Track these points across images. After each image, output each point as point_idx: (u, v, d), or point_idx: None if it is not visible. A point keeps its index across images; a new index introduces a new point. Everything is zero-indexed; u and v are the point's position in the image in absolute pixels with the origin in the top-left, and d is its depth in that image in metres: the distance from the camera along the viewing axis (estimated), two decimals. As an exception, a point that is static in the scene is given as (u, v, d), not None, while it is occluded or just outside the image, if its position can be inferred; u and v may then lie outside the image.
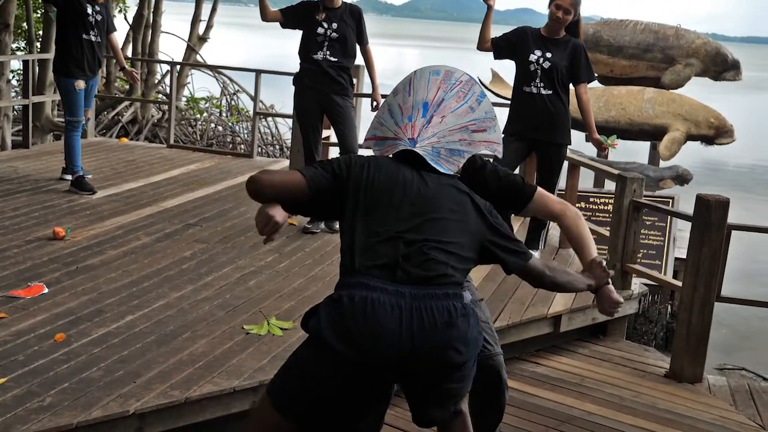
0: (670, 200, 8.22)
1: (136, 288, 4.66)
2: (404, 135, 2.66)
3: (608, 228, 6.03)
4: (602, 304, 2.89)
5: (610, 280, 2.88)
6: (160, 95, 14.10)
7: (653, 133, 9.40)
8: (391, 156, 2.65)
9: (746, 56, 10.50)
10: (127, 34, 13.49)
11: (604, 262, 2.90)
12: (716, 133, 9.28)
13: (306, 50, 5.98)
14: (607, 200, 8.33)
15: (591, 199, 8.38)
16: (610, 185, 8.34)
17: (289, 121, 11.84)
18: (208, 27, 13.91)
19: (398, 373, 2.48)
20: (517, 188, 2.90)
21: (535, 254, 5.84)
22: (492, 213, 2.64)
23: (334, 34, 5.90)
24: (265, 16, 5.98)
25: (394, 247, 2.45)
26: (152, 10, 13.24)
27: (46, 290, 4.49)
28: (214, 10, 13.90)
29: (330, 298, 2.49)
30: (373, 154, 2.71)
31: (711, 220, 4.72)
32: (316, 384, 2.48)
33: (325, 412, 2.54)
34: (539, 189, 2.96)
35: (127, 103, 12.89)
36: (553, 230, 6.44)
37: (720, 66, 9.68)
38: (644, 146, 10.37)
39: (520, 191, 2.89)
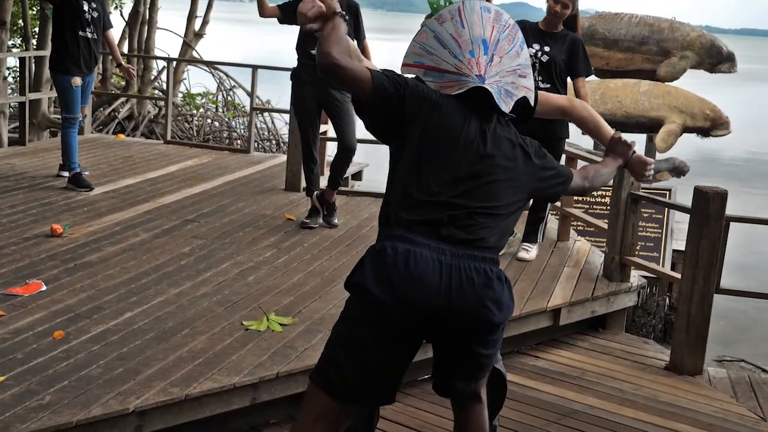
0: (668, 192, 8.23)
1: (135, 285, 4.66)
2: (470, 71, 2.56)
3: (606, 220, 6.04)
4: (636, 172, 3.12)
5: (635, 148, 3.11)
6: (156, 91, 14.08)
7: (649, 126, 9.41)
8: (456, 95, 2.58)
9: (740, 48, 10.51)
10: (123, 31, 13.48)
11: (622, 135, 3.13)
12: (712, 125, 9.29)
13: (303, 45, 5.97)
14: (604, 192, 8.33)
15: (588, 192, 8.39)
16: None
17: (286, 116, 11.82)
18: (204, 23, 13.90)
19: (435, 328, 2.53)
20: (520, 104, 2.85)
21: (534, 247, 5.86)
22: (539, 154, 2.71)
23: None
24: (263, 12, 5.95)
25: (443, 208, 2.50)
26: (148, 6, 13.22)
27: (44, 288, 4.49)
28: (210, 6, 13.88)
29: (373, 248, 2.57)
30: (423, 82, 2.62)
31: (709, 212, 4.72)
32: (357, 346, 2.51)
33: (368, 379, 2.54)
34: (539, 92, 3.09)
35: (123, 99, 12.87)
36: (551, 223, 6.44)
37: (715, 58, 9.69)
38: (641, 138, 10.37)
39: (523, 105, 2.83)
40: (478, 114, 2.58)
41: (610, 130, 3.17)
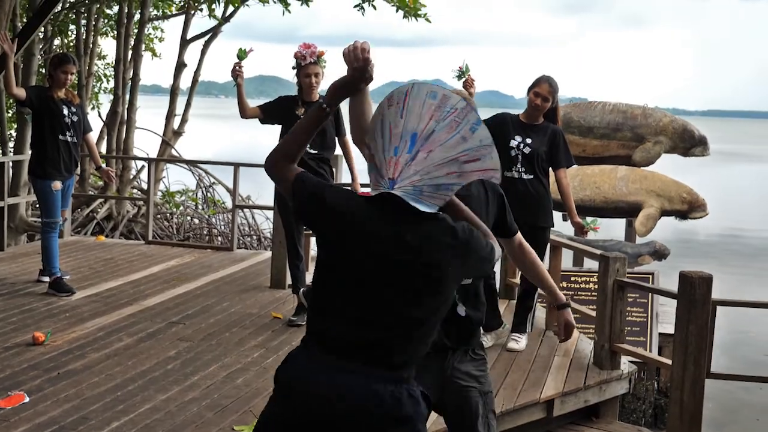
0: (650, 276, 8.26)
1: (121, 392, 4.56)
2: (386, 173, 2.42)
3: (592, 307, 6.04)
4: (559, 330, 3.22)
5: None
6: (135, 191, 14.10)
7: (628, 210, 9.53)
8: (368, 198, 2.47)
9: (708, 129, 10.74)
10: (102, 130, 13.55)
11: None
12: (689, 207, 9.44)
13: (285, 143, 6.02)
14: (588, 278, 8.36)
15: (572, 278, 8.40)
16: (589, 263, 8.38)
17: (267, 212, 11.87)
18: (183, 121, 14.02)
19: None
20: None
21: (523, 337, 5.83)
22: (471, 243, 2.48)
23: None
24: (245, 113, 6.02)
25: (353, 327, 2.36)
26: (126, 106, 13.33)
27: (27, 399, 4.38)
28: (188, 104, 14.03)
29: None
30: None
31: (695, 297, 4.75)
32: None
33: None
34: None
35: (101, 199, 12.86)
36: (539, 312, 6.43)
37: (688, 142, 9.92)
38: (620, 223, 10.49)
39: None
40: (393, 212, 2.42)
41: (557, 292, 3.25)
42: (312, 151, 5.97)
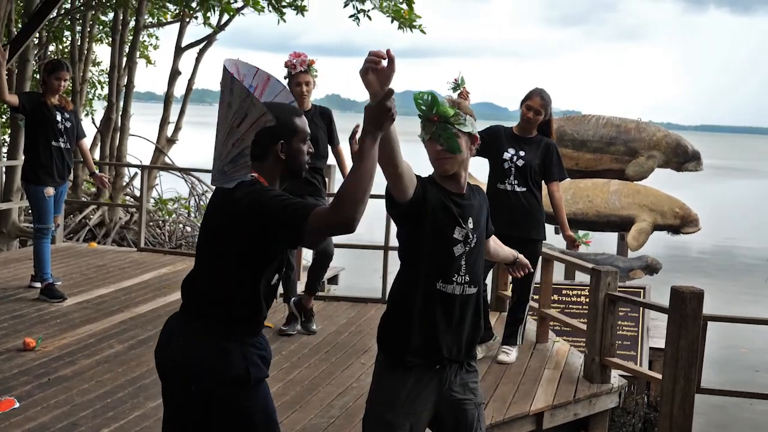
0: (642, 290, 8.28)
1: (111, 399, 4.56)
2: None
3: (583, 320, 6.05)
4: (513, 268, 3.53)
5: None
6: (128, 198, 14.07)
7: (620, 224, 9.55)
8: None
9: (701, 145, 10.78)
10: (95, 137, 13.54)
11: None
12: (682, 222, 9.46)
13: (279, 152, 6.02)
14: (579, 292, 8.38)
15: (563, 292, 8.42)
16: (581, 277, 8.40)
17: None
18: (177, 129, 14.02)
19: None
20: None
21: (514, 350, 5.84)
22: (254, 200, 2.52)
23: None
24: None
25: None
26: (120, 113, 13.33)
27: (17, 405, 4.37)
28: (182, 112, 14.03)
29: None
30: None
31: (687, 312, 4.76)
32: None
33: None
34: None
35: (94, 206, 12.84)
36: (530, 324, 6.43)
37: (681, 157, 9.95)
38: (612, 237, 10.50)
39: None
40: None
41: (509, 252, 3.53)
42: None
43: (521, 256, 3.55)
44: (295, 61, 5.85)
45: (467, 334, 2.97)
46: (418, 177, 2.86)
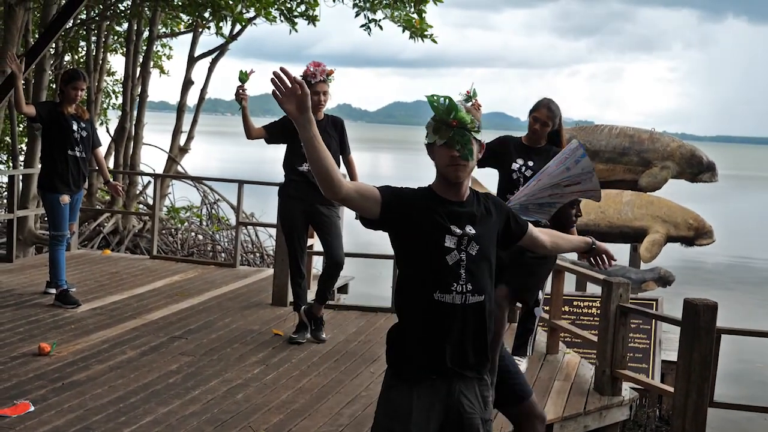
0: (654, 303, 8.25)
1: (123, 404, 4.58)
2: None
3: (594, 332, 6.04)
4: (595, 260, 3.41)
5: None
6: (141, 206, 14.14)
7: (633, 236, 9.53)
8: None
9: (718, 156, 10.74)
10: (109, 146, 13.63)
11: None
12: (695, 234, 9.43)
13: (291, 162, 6.05)
14: (590, 303, 8.36)
15: (574, 303, 8.40)
16: (592, 288, 8.38)
17: (270, 230, 11.90)
18: (189, 138, 14.08)
19: None
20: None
21: (524, 360, 5.82)
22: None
23: None
24: (250, 134, 6.02)
25: None
26: (134, 122, 13.41)
27: (32, 408, 4.40)
28: (195, 122, 14.10)
29: None
30: None
31: (700, 325, 4.74)
32: None
33: None
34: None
35: (108, 214, 12.92)
36: (541, 336, 6.42)
37: (696, 168, 9.91)
38: (625, 248, 10.48)
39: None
40: None
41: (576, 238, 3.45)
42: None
43: (598, 243, 3.38)
44: (315, 70, 5.88)
45: (472, 344, 2.91)
46: (389, 189, 2.85)
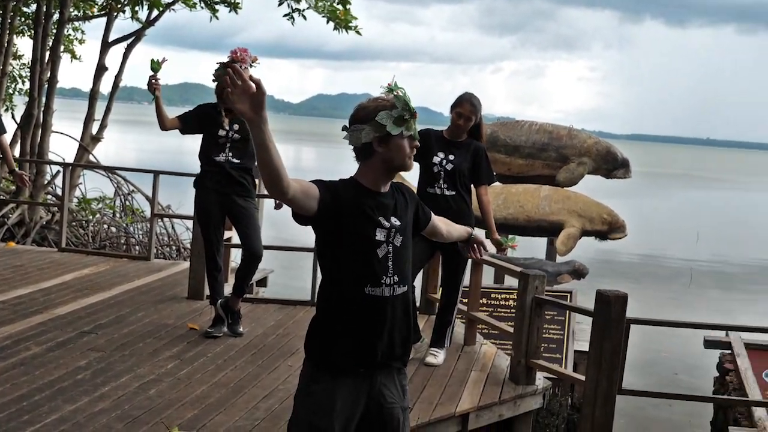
0: (569, 295, 8.39)
1: (27, 402, 4.40)
2: None
3: (511, 324, 6.09)
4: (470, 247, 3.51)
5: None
6: (49, 197, 13.70)
7: (550, 229, 9.67)
8: None
9: (632, 153, 10.98)
10: (15, 134, 13.13)
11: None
12: (609, 228, 9.63)
13: (207, 152, 5.92)
14: (507, 296, 8.45)
15: (492, 295, 8.47)
16: (509, 281, 8.47)
17: (187, 222, 11.66)
18: (102, 126, 13.69)
19: None
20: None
21: (441, 352, 5.84)
22: None
23: (236, 135, 5.87)
24: (164, 125, 5.86)
25: None
26: (42, 109, 12.95)
27: (-74, 408, 4.20)
28: (108, 109, 13.70)
29: None
30: None
31: (611, 315, 4.82)
32: None
33: None
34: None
35: (13, 204, 12.46)
36: (458, 327, 6.45)
37: (611, 164, 10.11)
38: (542, 242, 10.63)
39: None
40: None
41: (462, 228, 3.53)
42: (234, 161, 5.88)
43: (476, 233, 3.52)
44: (243, 55, 5.72)
45: (399, 334, 2.92)
46: (323, 184, 2.80)
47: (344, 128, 2.92)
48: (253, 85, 2.46)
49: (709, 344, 7.26)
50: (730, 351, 7.05)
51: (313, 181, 2.79)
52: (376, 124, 2.85)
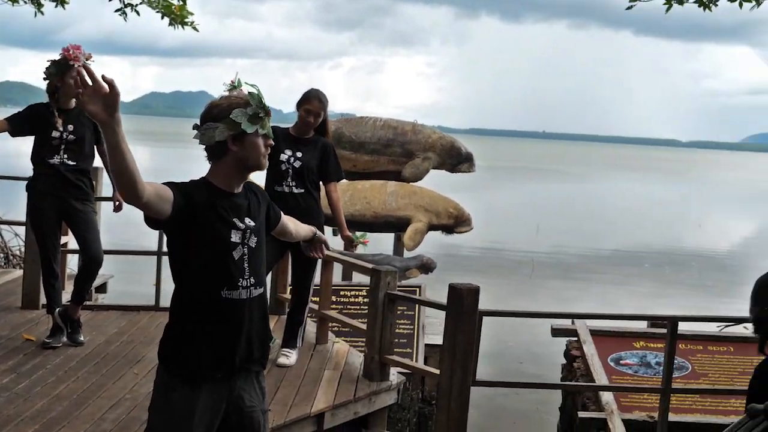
0: (418, 289, 8.48)
1: None
2: None
3: (362, 320, 6.10)
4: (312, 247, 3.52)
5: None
6: None
7: (397, 225, 9.74)
8: None
9: (473, 148, 11.19)
10: None
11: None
12: (456, 222, 9.79)
13: (40, 155, 5.60)
14: (357, 292, 8.46)
15: (342, 293, 8.46)
16: (358, 277, 8.49)
17: (16, 228, 11.04)
18: None
19: None
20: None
21: (294, 352, 5.77)
22: None
23: (71, 137, 5.58)
24: None
25: None
26: None
27: None
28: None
29: None
30: None
31: (463, 308, 4.89)
32: None
33: None
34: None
35: None
36: (310, 326, 6.40)
37: (455, 159, 10.27)
38: (389, 237, 10.71)
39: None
40: None
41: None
42: (70, 163, 5.60)
43: (319, 233, 3.52)
44: (76, 53, 5.42)
45: (257, 337, 2.88)
46: (175, 186, 2.70)
47: (195, 127, 2.82)
48: (106, 86, 2.32)
49: (557, 332, 7.48)
50: (576, 338, 7.28)
51: (165, 184, 2.68)
52: (230, 122, 2.77)
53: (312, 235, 3.47)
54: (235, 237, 2.78)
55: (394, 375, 5.74)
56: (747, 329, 7.85)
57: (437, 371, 5.22)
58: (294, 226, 3.36)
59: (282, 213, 3.26)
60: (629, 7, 7.00)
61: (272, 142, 2.88)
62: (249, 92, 2.82)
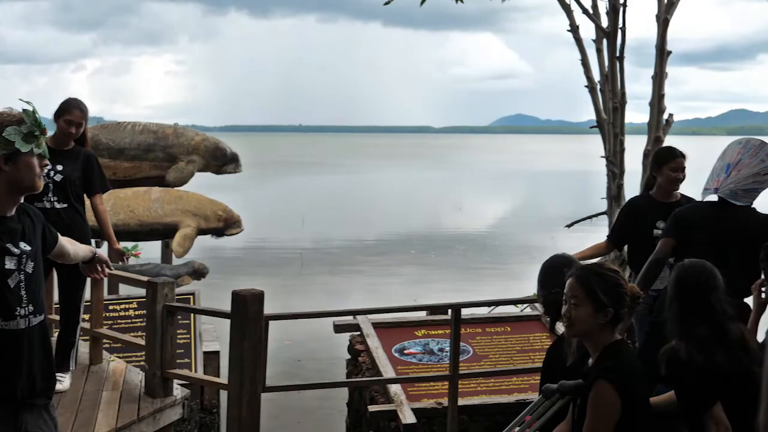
0: (191, 296, 8.25)
1: None
2: (712, 186, 4.55)
3: (134, 334, 5.87)
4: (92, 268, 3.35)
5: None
6: None
7: (165, 232, 9.42)
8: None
9: (230, 145, 11.00)
10: None
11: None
12: (225, 224, 9.61)
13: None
14: (126, 306, 8.11)
15: (110, 308, 8.06)
16: (125, 290, 8.13)
17: None
18: None
19: None
20: None
21: (67, 376, 5.43)
22: None
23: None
24: None
25: None
26: None
27: None
28: None
29: None
30: None
31: (248, 315, 4.82)
32: None
33: None
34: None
35: None
36: (83, 347, 6.05)
37: (220, 160, 10.08)
38: (157, 245, 10.34)
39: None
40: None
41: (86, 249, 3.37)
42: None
43: (100, 252, 3.36)
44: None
45: (40, 368, 2.66)
46: None
47: None
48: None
49: (339, 328, 7.53)
50: (359, 332, 7.36)
51: None
52: (3, 140, 2.54)
53: (92, 255, 3.30)
54: (9, 263, 2.57)
55: (179, 389, 5.55)
56: (518, 308, 8.37)
57: (225, 381, 5.11)
58: (72, 248, 3.15)
59: (59, 234, 3.04)
60: (387, 2, 7.18)
61: (48, 162, 2.68)
62: (23, 109, 2.59)
